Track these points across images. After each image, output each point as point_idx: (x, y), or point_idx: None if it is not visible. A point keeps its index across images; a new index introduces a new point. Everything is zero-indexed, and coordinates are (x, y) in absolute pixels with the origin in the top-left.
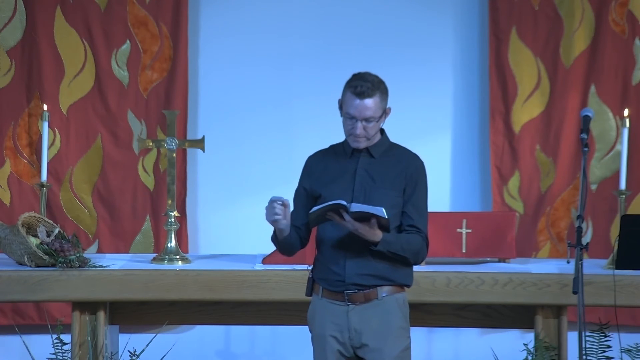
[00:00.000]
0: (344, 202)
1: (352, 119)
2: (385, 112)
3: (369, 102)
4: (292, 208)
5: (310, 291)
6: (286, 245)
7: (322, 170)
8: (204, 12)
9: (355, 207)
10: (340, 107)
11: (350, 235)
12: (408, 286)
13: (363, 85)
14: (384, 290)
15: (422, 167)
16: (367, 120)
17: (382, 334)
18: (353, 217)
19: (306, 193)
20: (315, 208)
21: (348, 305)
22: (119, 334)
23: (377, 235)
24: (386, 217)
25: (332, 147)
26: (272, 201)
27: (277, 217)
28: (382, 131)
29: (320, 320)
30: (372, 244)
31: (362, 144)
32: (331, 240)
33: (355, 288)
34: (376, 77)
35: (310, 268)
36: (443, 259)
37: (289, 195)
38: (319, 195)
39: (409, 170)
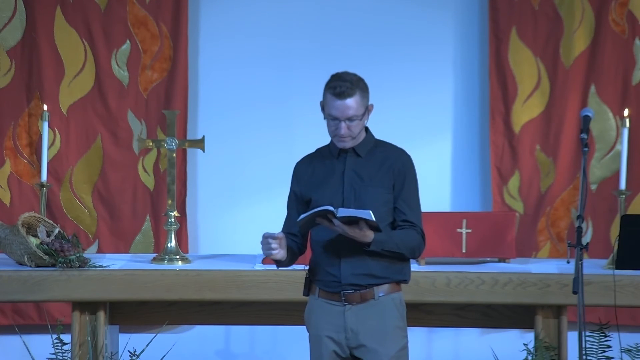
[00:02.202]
0: (331, 208)
1: (335, 120)
2: (367, 109)
3: (349, 101)
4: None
5: (307, 291)
6: (286, 262)
7: (311, 174)
8: (204, 12)
9: (343, 212)
10: (323, 109)
11: (343, 236)
12: (406, 282)
13: (342, 85)
14: (381, 290)
15: (409, 161)
16: (350, 119)
17: (379, 334)
18: (342, 221)
19: (297, 198)
20: (303, 215)
21: (345, 305)
22: (119, 334)
23: (368, 236)
24: (373, 219)
25: (318, 150)
26: (265, 237)
27: (273, 252)
28: (366, 129)
29: (317, 321)
30: (365, 245)
31: (348, 143)
32: (325, 242)
33: (352, 288)
34: (355, 75)
35: (306, 268)
36: (443, 259)
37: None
38: (310, 199)
39: (396, 166)
